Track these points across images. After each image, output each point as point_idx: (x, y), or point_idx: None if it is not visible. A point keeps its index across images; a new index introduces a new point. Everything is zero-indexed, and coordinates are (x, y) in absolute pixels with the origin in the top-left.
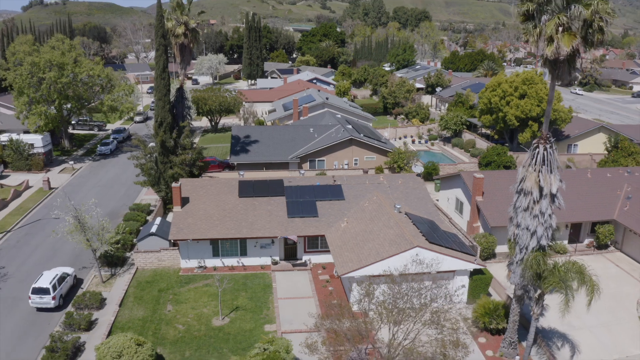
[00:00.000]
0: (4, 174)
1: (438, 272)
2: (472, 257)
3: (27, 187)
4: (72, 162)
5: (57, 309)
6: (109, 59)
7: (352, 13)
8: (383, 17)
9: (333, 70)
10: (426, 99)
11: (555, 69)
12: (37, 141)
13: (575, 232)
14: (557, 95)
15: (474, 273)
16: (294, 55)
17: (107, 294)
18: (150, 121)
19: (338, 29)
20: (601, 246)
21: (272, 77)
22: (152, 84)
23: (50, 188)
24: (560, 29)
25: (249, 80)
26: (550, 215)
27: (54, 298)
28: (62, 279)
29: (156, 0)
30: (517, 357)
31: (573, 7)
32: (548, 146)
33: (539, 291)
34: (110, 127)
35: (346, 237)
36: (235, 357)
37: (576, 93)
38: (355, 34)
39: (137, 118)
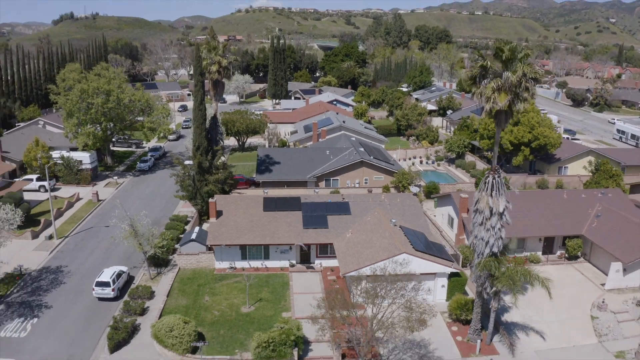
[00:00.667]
0: (56, 186)
1: (422, 274)
2: (450, 263)
3: (78, 199)
4: (115, 177)
5: (115, 299)
6: (140, 76)
7: (374, 31)
8: (404, 36)
9: (353, 91)
10: (437, 121)
11: (496, 118)
12: (85, 158)
13: (548, 245)
14: (548, 122)
15: (452, 275)
16: (317, 74)
17: (155, 287)
18: (183, 139)
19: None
20: (571, 257)
21: (295, 97)
22: (183, 102)
23: (99, 200)
24: (496, 90)
25: (274, 100)
26: (499, 229)
27: (113, 290)
28: (119, 275)
29: (186, 27)
30: (479, 342)
31: (504, 73)
32: (497, 176)
33: (494, 289)
34: (147, 144)
35: (350, 245)
36: (258, 332)
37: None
38: (375, 54)
39: (171, 137)
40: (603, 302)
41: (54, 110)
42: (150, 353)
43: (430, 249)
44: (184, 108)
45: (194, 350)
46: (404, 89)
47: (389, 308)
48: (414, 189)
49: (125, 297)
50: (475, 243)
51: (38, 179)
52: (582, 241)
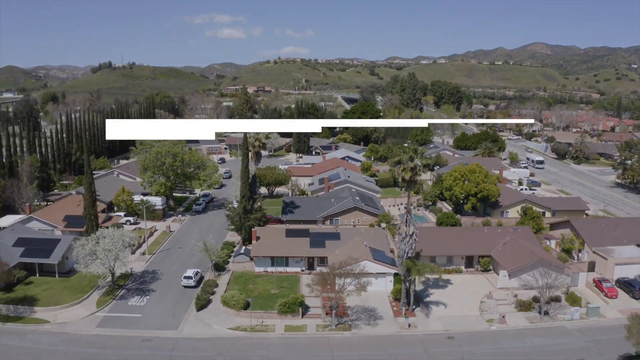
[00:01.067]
0: (137, 221)
1: (377, 273)
2: (395, 267)
3: (155, 230)
4: (179, 215)
5: (194, 287)
6: None
7: (391, 88)
8: (417, 93)
9: (364, 147)
10: (427, 175)
11: (407, 183)
12: (158, 201)
13: (469, 261)
14: (493, 179)
15: (396, 275)
16: (337, 129)
17: (218, 282)
18: (225, 187)
19: (379, 99)
20: (485, 270)
21: (315, 152)
22: (221, 155)
23: (170, 231)
24: (404, 171)
25: (297, 154)
26: (411, 244)
27: (194, 281)
28: (196, 273)
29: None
30: (404, 309)
31: (409, 163)
32: (409, 215)
33: (410, 278)
34: (197, 191)
35: (337, 258)
36: (279, 299)
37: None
38: (386, 114)
39: (215, 185)
40: (490, 293)
41: (116, 162)
42: (220, 311)
43: (384, 259)
44: (222, 160)
45: (246, 307)
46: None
47: (350, 286)
48: (382, 225)
49: (201, 286)
50: (400, 252)
51: (125, 215)
52: (491, 259)
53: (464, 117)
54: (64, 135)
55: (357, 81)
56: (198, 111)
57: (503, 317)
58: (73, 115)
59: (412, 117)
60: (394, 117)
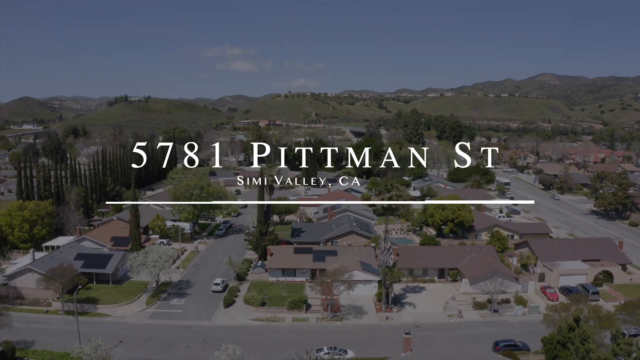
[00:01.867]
0: (169, 243)
1: (364, 280)
2: (378, 276)
3: (185, 250)
4: (204, 238)
5: (221, 292)
6: (199, 162)
7: (396, 123)
8: (419, 128)
9: (367, 180)
10: (419, 204)
11: (386, 210)
12: (187, 226)
13: (441, 273)
14: (468, 208)
15: (380, 281)
16: (343, 163)
17: (240, 288)
18: (241, 215)
19: (385, 137)
20: (454, 280)
21: (322, 185)
22: (237, 188)
23: (198, 250)
24: (383, 200)
25: (306, 186)
26: (389, 256)
27: (221, 287)
28: (223, 281)
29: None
30: (384, 307)
31: (384, 194)
32: (387, 233)
33: (387, 282)
34: (217, 218)
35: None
36: (288, 299)
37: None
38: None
39: (233, 214)
40: (453, 297)
41: (143, 192)
42: (242, 308)
43: (371, 270)
44: (238, 192)
45: (262, 305)
46: (406, 179)
47: (341, 287)
48: (372, 245)
49: (227, 291)
50: (380, 262)
51: (160, 238)
52: (458, 271)
53: (463, 150)
54: (100, 168)
55: (366, 114)
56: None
57: (460, 312)
58: (97, 148)
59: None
60: (394, 152)
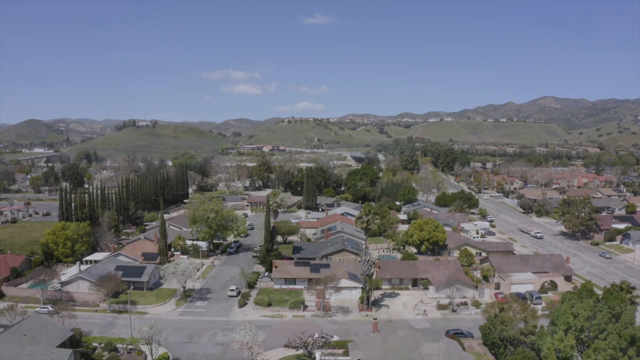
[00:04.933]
0: (189, 258)
1: (351, 286)
2: (362, 283)
3: (203, 264)
4: (218, 255)
5: (236, 296)
6: (207, 187)
7: (393, 150)
8: (415, 155)
9: (361, 205)
10: (405, 226)
11: (364, 230)
12: (203, 245)
13: (414, 282)
14: (442, 228)
15: (363, 288)
16: (342, 188)
17: (251, 294)
18: (249, 236)
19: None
20: (425, 288)
21: (321, 209)
22: (244, 211)
23: (214, 265)
24: (363, 222)
25: (306, 210)
26: (369, 266)
27: (235, 292)
28: (236, 288)
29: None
30: (366, 307)
31: (364, 217)
32: (368, 248)
33: (367, 287)
34: (228, 238)
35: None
36: (289, 301)
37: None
38: (380, 177)
39: (242, 235)
40: (422, 300)
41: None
42: (253, 308)
43: (356, 279)
44: (245, 215)
45: (269, 305)
46: (398, 203)
47: (331, 291)
48: (359, 259)
49: (240, 296)
50: (361, 271)
51: (181, 254)
52: (428, 280)
53: (455, 177)
54: (124, 194)
55: (367, 139)
56: (221, 169)
57: (425, 312)
58: (110, 173)
59: (404, 178)
60: (389, 179)
